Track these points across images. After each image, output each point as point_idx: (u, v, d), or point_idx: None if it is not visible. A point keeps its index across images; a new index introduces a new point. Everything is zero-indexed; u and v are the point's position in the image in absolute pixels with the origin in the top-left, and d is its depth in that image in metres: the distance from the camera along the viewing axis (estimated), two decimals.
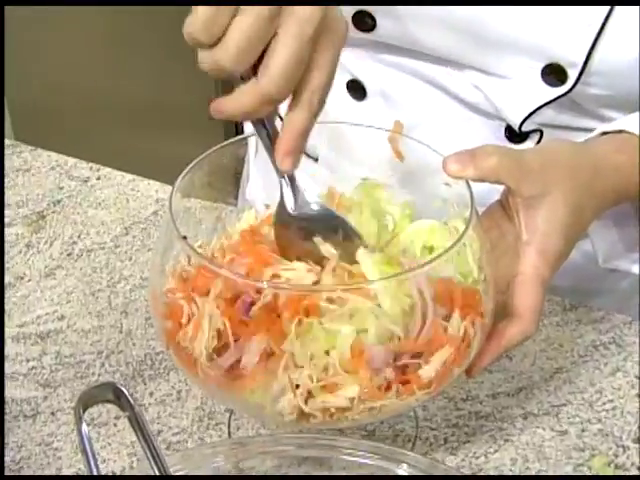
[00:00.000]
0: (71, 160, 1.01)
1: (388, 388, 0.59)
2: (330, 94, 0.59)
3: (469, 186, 0.63)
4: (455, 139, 0.75)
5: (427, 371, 0.58)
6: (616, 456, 0.70)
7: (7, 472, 0.68)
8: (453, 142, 0.73)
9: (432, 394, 0.61)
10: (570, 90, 0.75)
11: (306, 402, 0.59)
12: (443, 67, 0.80)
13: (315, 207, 0.64)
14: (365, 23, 0.79)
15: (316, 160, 0.85)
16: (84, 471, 0.67)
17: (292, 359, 0.58)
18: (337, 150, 0.78)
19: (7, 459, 0.69)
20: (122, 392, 0.54)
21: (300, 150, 0.59)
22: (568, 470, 0.69)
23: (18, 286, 0.85)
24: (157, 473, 0.53)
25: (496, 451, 0.70)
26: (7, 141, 1.04)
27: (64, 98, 1.97)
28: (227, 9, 0.54)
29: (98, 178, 0.99)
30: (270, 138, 0.60)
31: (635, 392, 0.75)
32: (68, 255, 0.88)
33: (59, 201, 0.95)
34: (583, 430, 0.72)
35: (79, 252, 0.89)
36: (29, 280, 0.85)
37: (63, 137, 1.20)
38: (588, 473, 0.68)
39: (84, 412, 0.52)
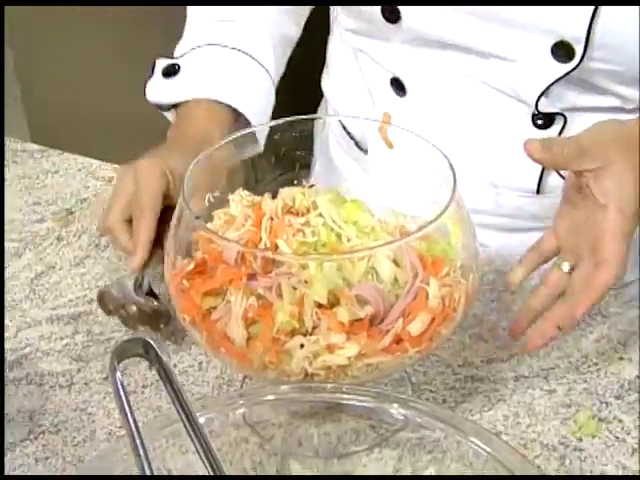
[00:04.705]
0: (95, 162, 1.09)
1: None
2: (377, 91, 0.69)
3: (452, 169, 0.70)
4: (486, 125, 0.87)
5: (415, 326, 0.65)
6: (599, 411, 0.76)
7: (46, 435, 0.76)
8: (484, 128, 0.87)
9: (423, 353, 0.68)
10: (578, 65, 0.83)
11: (310, 364, 0.66)
12: (468, 55, 0.88)
13: None
14: (392, 14, 0.88)
15: (366, 152, 0.94)
16: (116, 432, 0.75)
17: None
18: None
19: (46, 423, 0.76)
20: (151, 346, 0.61)
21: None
22: (555, 424, 0.75)
23: (50, 274, 0.92)
24: (184, 418, 0.60)
25: (490, 409, 0.77)
26: (36, 146, 1.12)
27: (84, 106, 2.04)
28: None
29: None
30: None
31: (618, 356, 0.81)
32: (96, 246, 0.96)
33: (85, 199, 1.03)
34: (570, 389, 0.78)
35: (105, 243, 0.96)
36: (60, 268, 0.93)
37: (86, 142, 1.27)
38: (574, 427, 0.75)
39: (118, 364, 0.59)
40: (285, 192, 0.74)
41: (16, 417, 0.77)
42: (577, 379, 0.79)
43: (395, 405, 0.63)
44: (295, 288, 0.67)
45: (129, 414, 0.58)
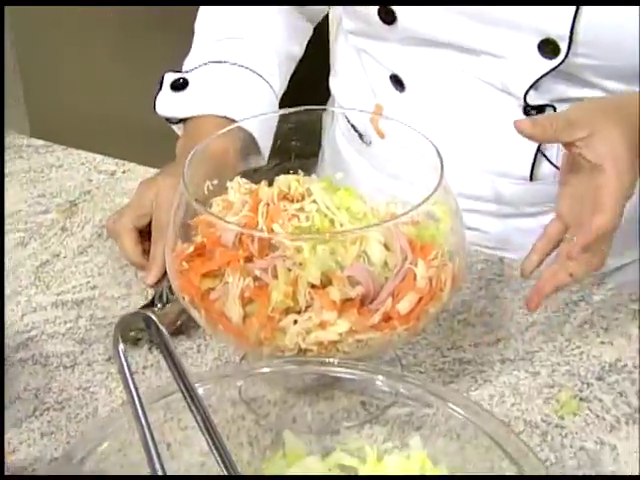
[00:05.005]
0: (98, 157, 1.12)
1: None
2: (379, 87, 0.85)
3: (439, 156, 0.73)
4: (479, 117, 0.93)
5: (403, 305, 0.69)
6: (581, 391, 0.80)
7: (51, 411, 0.79)
8: (478, 120, 0.93)
9: (411, 331, 0.71)
10: (563, 61, 0.88)
11: (303, 340, 0.70)
12: (461, 53, 0.93)
13: None
14: (387, 15, 0.93)
15: (369, 144, 1.00)
16: (117, 410, 0.78)
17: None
18: None
19: (51, 400, 0.80)
20: (152, 320, 0.64)
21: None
22: (539, 403, 0.79)
23: (55, 262, 0.96)
24: (184, 389, 0.63)
25: (476, 389, 0.80)
26: (41, 141, 1.15)
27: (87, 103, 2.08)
28: None
29: (123, 172, 1.10)
30: None
31: (600, 340, 0.85)
32: (98, 236, 0.99)
33: (89, 191, 1.07)
34: (553, 371, 0.82)
35: (108, 234, 0.99)
36: (64, 257, 0.96)
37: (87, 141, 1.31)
38: (556, 405, 0.78)
39: (121, 336, 0.63)
40: (281, 180, 0.77)
41: (22, 395, 0.80)
42: (560, 362, 0.82)
43: (384, 378, 0.66)
44: (290, 270, 0.70)
45: (131, 384, 0.62)
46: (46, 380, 0.82)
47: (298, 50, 1.09)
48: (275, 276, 0.71)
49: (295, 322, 0.69)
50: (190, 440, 0.69)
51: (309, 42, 1.09)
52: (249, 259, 0.72)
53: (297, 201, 0.76)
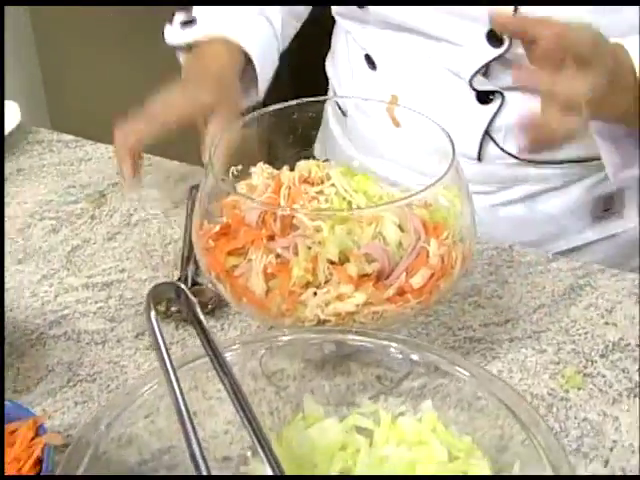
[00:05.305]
0: None
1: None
2: (356, 66, 0.98)
3: (451, 140, 0.78)
4: (437, 98, 1.02)
5: (416, 280, 0.74)
6: (585, 367, 0.84)
7: (83, 383, 0.84)
8: (436, 100, 1.02)
9: (423, 304, 0.76)
10: (508, 50, 0.96)
11: (322, 311, 0.74)
12: (425, 39, 1.02)
13: None
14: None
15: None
16: (144, 377, 0.82)
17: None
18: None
19: (83, 373, 0.84)
20: (182, 290, 0.69)
21: None
22: (545, 378, 0.83)
23: (85, 247, 1.00)
24: (212, 355, 0.68)
25: (485, 365, 0.85)
26: (70, 137, 1.21)
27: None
28: None
29: (149, 165, 1.15)
30: None
31: (604, 321, 0.89)
32: (127, 224, 1.04)
33: (116, 183, 1.12)
34: (559, 349, 0.86)
35: (135, 222, 1.04)
36: (94, 243, 1.01)
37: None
38: (561, 380, 0.82)
39: (153, 303, 0.67)
40: (302, 164, 0.82)
41: (56, 368, 0.85)
42: (566, 340, 0.87)
43: (399, 345, 0.71)
44: (309, 248, 0.75)
45: (163, 347, 0.66)
46: (78, 355, 0.86)
47: (303, 9, 1.19)
48: (296, 253, 0.75)
49: (315, 294, 0.73)
50: (214, 410, 0.73)
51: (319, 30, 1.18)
52: (271, 238, 0.76)
53: (317, 184, 0.81)
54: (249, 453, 0.71)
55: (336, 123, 1.17)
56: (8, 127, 1.17)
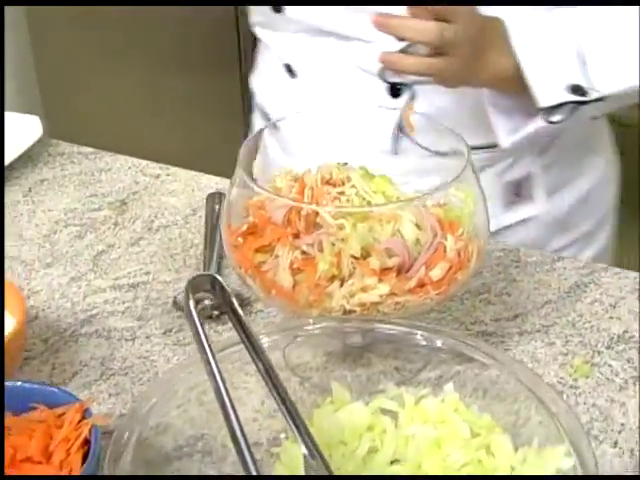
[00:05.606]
0: (144, 162, 1.22)
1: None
2: (270, 75, 1.04)
3: (465, 142, 0.83)
4: (352, 99, 1.08)
5: (435, 272, 0.78)
6: (592, 358, 0.89)
7: (116, 376, 0.88)
8: (350, 101, 1.08)
9: (442, 295, 0.80)
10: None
11: (348, 302, 0.79)
12: (339, 41, 1.08)
13: None
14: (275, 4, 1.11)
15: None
16: (176, 368, 0.86)
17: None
18: None
19: (115, 367, 0.89)
20: (218, 281, 0.73)
21: None
22: (554, 368, 0.87)
23: (110, 252, 1.05)
24: (247, 342, 0.72)
25: None
26: (90, 149, 1.25)
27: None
28: None
29: (167, 175, 1.19)
30: None
31: (608, 315, 0.94)
32: (149, 230, 1.09)
33: (136, 192, 1.16)
34: (567, 341, 0.91)
35: (157, 228, 1.09)
36: (119, 247, 1.06)
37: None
38: (570, 370, 0.87)
39: (192, 293, 0.72)
40: (323, 167, 0.87)
41: (89, 363, 0.89)
42: (574, 333, 0.91)
43: (421, 332, 0.75)
44: (333, 244, 0.80)
45: (202, 334, 0.71)
46: (110, 350, 0.91)
47: None
48: (320, 250, 0.80)
49: (341, 285, 0.78)
50: (242, 400, 0.77)
51: None
52: (296, 236, 0.81)
53: (338, 186, 0.85)
54: (282, 435, 0.75)
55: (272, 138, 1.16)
56: (30, 140, 1.22)
